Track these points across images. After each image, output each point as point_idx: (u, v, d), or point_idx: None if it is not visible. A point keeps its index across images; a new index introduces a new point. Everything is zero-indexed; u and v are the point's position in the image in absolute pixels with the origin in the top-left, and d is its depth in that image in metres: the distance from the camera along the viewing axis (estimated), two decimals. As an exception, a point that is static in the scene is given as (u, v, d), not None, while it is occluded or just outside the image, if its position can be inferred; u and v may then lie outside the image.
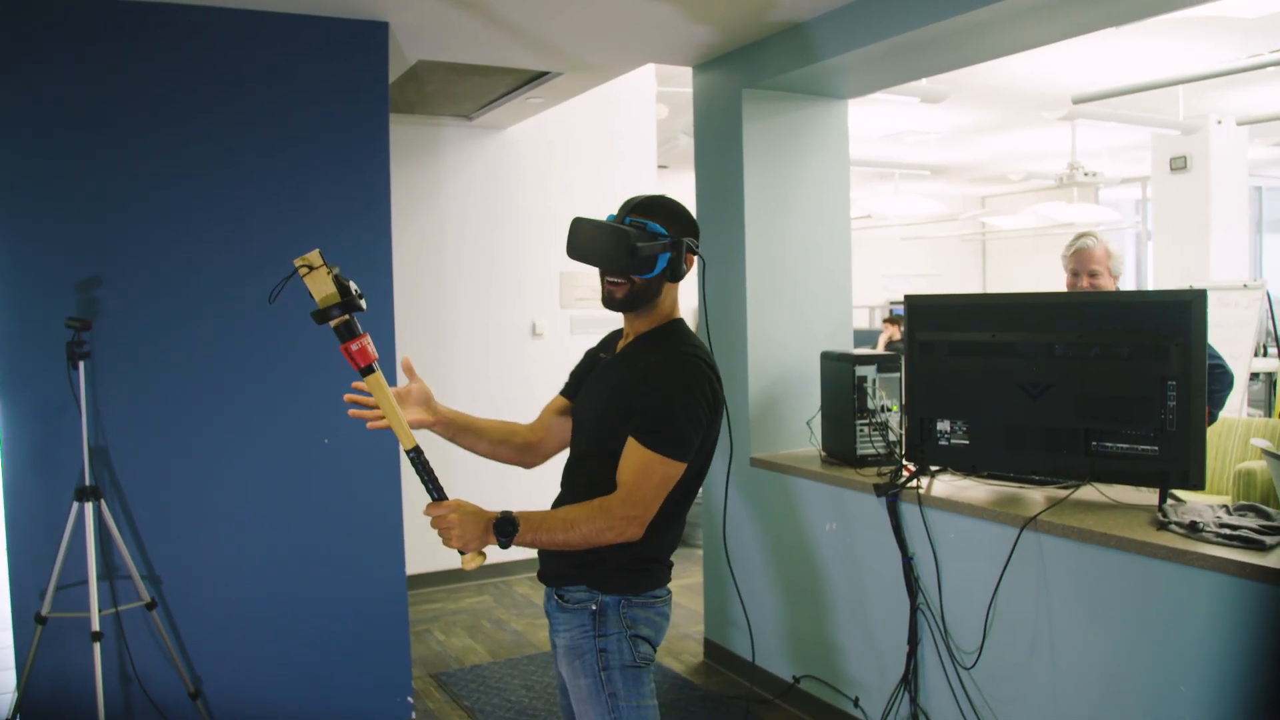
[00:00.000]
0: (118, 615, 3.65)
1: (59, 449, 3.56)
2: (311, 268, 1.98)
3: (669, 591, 2.38)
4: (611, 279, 2.27)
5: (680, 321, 2.38)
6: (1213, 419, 3.84)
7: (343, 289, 2.01)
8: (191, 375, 3.76)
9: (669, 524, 2.31)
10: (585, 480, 2.33)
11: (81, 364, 3.46)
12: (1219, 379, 3.73)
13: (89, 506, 3.46)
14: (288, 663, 3.92)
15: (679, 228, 2.27)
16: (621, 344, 2.41)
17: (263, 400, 3.86)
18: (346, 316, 2.03)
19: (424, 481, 2.11)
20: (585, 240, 2.25)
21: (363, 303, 2.03)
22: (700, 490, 2.44)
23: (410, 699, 4.14)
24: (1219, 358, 3.76)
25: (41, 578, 3.50)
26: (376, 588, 4.05)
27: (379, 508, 4.04)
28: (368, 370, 2.09)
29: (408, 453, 2.11)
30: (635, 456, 2.16)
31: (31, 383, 3.53)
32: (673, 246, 2.24)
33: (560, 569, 2.31)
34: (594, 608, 2.26)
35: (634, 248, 2.18)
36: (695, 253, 2.30)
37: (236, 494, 3.84)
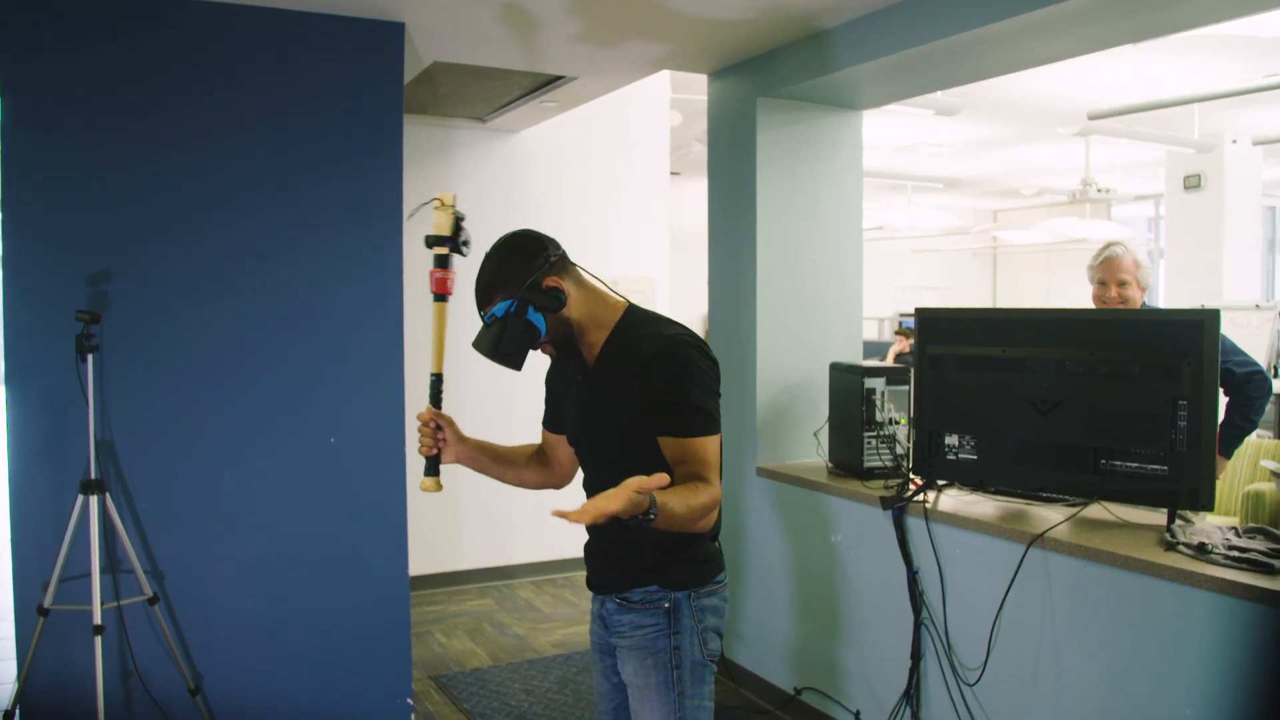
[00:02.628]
0: (120, 609, 3.64)
1: (65, 441, 3.56)
2: (444, 204, 2.37)
3: (725, 572, 2.41)
4: (542, 353, 2.34)
5: (631, 310, 2.35)
6: (1252, 426, 3.77)
7: (456, 230, 2.36)
8: (199, 371, 3.76)
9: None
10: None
11: (90, 357, 3.46)
12: (1258, 385, 3.67)
13: (94, 500, 3.46)
14: (288, 661, 3.92)
15: (515, 278, 2.23)
16: (590, 358, 2.35)
17: (269, 398, 3.86)
18: (446, 250, 2.35)
19: (433, 400, 2.39)
20: (499, 361, 2.25)
21: (465, 250, 2.40)
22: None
23: (410, 701, 4.12)
24: (1256, 364, 3.70)
25: (45, 570, 3.49)
26: (379, 588, 4.04)
27: (383, 507, 4.04)
28: (438, 298, 2.37)
29: (432, 375, 2.36)
30: (686, 449, 2.16)
31: (40, 375, 3.53)
32: (524, 303, 2.22)
33: (623, 576, 2.32)
34: (667, 605, 2.28)
35: (508, 347, 2.21)
36: (548, 270, 2.26)
37: (241, 491, 3.84)
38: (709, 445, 2.17)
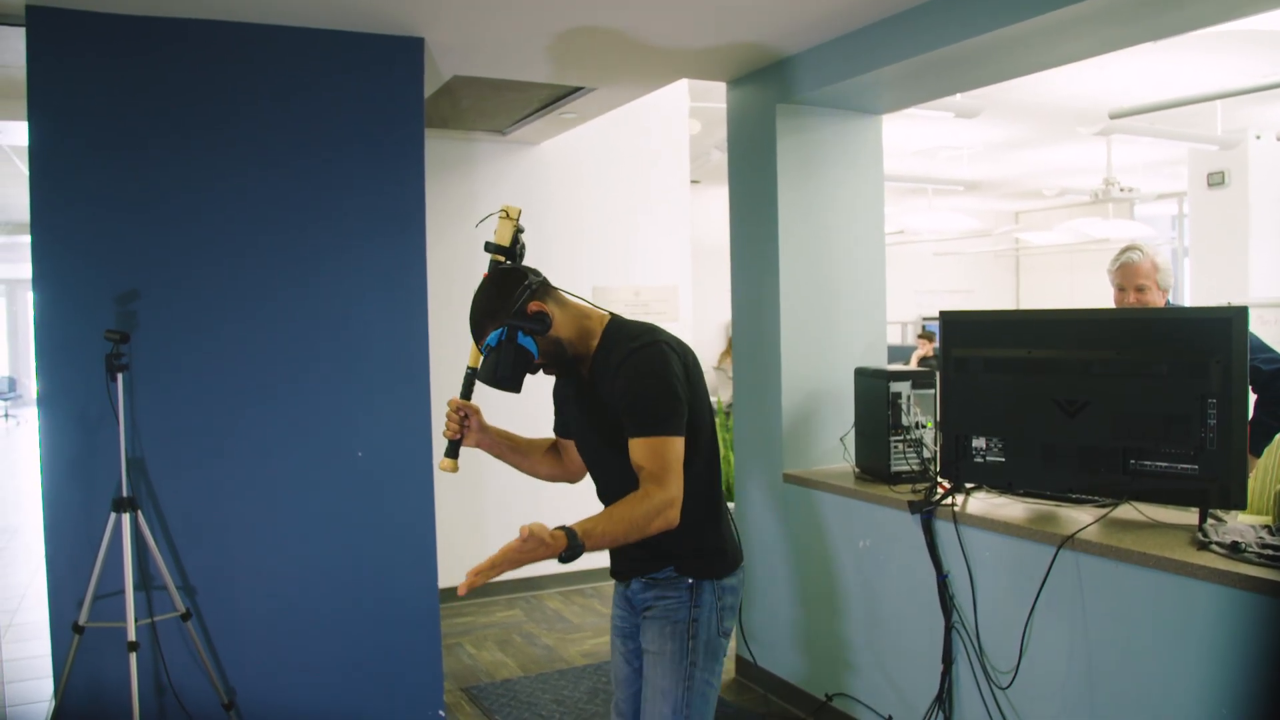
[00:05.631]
0: (153, 625, 3.67)
1: (97, 460, 3.59)
2: (508, 216, 2.53)
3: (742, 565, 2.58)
4: (545, 374, 2.48)
5: (612, 321, 2.48)
6: None
7: (514, 241, 2.54)
8: (227, 387, 3.79)
9: (714, 503, 2.50)
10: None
11: (120, 376, 3.50)
12: None
13: (126, 517, 3.49)
14: (321, 675, 3.94)
15: (501, 307, 2.37)
16: (585, 372, 2.49)
17: (297, 413, 3.89)
18: (503, 259, 2.53)
19: (464, 393, 2.58)
20: (504, 388, 2.36)
21: (520, 259, 2.56)
22: (733, 506, 2.48)
23: (442, 713, 4.14)
24: None
25: (79, 588, 3.53)
26: (409, 601, 4.06)
27: (411, 520, 4.06)
28: None
29: (468, 369, 2.55)
30: (640, 449, 2.28)
31: (72, 395, 3.57)
32: (513, 329, 2.35)
33: (644, 563, 2.47)
34: (690, 581, 2.45)
35: (505, 371, 2.35)
36: (532, 295, 2.37)
37: (271, 506, 3.86)
38: (661, 445, 2.26)
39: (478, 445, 2.61)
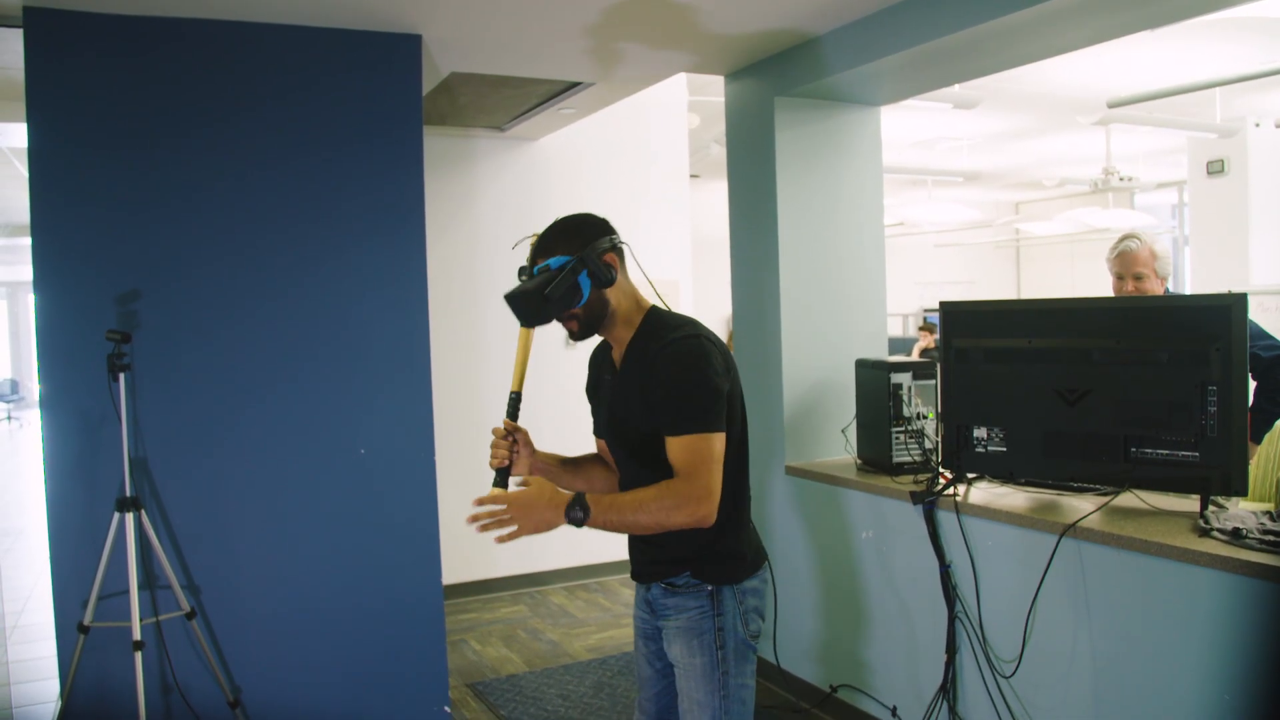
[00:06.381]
0: (158, 625, 3.68)
1: (100, 460, 3.60)
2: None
3: (768, 564, 2.54)
4: (562, 321, 2.36)
5: (654, 310, 2.42)
6: None
7: None
8: (229, 386, 3.80)
9: (735, 505, 2.40)
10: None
11: (122, 376, 3.50)
12: None
13: (129, 517, 3.50)
14: (326, 672, 3.95)
15: (580, 241, 2.32)
16: (618, 357, 2.44)
17: (299, 411, 3.90)
18: None
19: (509, 414, 2.48)
20: (520, 311, 2.33)
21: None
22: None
23: (448, 709, 4.15)
24: None
25: (84, 588, 3.54)
26: (413, 597, 4.07)
27: (415, 517, 4.06)
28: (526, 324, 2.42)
29: (512, 393, 2.48)
30: (676, 445, 2.21)
31: (74, 396, 3.58)
32: (582, 262, 2.30)
33: (659, 570, 2.42)
34: (710, 588, 2.38)
35: (545, 296, 2.28)
36: (612, 249, 2.35)
37: (274, 504, 3.87)
38: (702, 443, 2.20)
39: (529, 471, 2.48)
